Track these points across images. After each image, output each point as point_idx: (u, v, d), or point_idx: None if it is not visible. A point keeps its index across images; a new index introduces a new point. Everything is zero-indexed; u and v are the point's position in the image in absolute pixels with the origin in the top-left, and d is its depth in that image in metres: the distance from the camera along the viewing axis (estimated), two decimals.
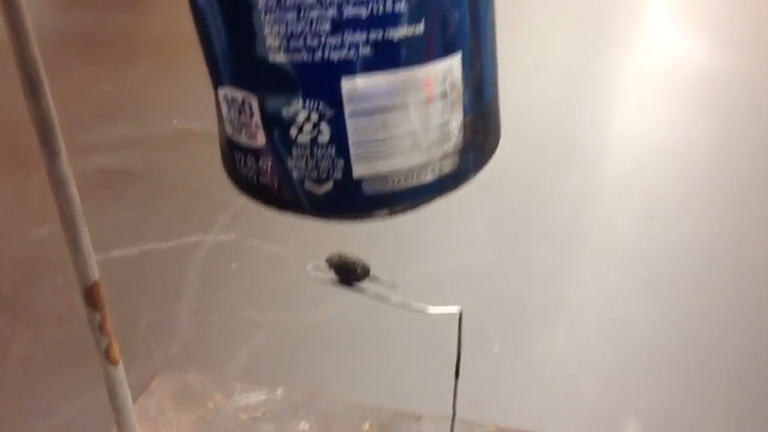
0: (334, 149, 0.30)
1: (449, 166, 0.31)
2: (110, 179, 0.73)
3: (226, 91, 0.30)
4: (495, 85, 0.33)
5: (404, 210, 0.32)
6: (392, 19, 0.28)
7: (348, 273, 0.37)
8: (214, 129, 0.32)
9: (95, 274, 0.47)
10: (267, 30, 0.28)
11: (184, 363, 0.63)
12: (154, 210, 0.73)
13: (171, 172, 0.75)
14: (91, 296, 0.48)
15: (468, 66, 0.30)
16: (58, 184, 0.44)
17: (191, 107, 0.85)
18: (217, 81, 0.31)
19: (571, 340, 0.57)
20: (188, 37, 0.31)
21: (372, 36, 0.28)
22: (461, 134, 0.31)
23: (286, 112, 0.29)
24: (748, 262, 0.59)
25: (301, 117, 0.29)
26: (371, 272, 0.37)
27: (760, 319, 0.55)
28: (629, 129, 0.75)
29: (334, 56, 0.28)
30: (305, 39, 0.28)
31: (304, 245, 0.69)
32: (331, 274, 0.38)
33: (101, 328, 0.49)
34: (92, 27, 0.96)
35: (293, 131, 0.30)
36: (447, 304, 0.55)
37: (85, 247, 0.46)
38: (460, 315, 0.38)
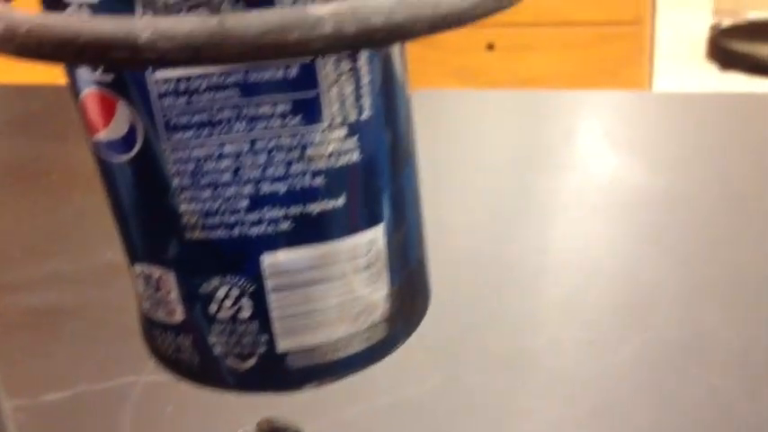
0: (256, 325, 0.29)
1: (377, 335, 0.31)
2: (40, 318, 0.71)
3: (142, 268, 0.29)
4: (421, 248, 0.33)
5: (333, 380, 0.31)
6: (311, 194, 0.27)
7: None
8: None
9: None
10: (183, 208, 0.27)
11: None
12: (86, 349, 0.70)
13: (104, 309, 0.73)
14: None
15: (392, 235, 0.30)
16: None
17: None
18: (132, 257, 0.30)
19: None
20: None
21: (292, 211, 0.27)
22: (388, 303, 0.30)
23: (205, 289, 0.28)
24: (692, 385, 0.58)
25: (221, 293, 0.28)
26: None
27: None
28: (567, 250, 0.75)
29: (253, 232, 0.27)
30: (222, 216, 0.27)
31: None
32: None
33: None
34: (27, 157, 0.95)
35: (213, 308, 0.29)
36: None
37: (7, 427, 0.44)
38: None
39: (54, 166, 0.93)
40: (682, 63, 3.07)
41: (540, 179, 0.85)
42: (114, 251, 0.86)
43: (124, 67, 0.24)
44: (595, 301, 0.69)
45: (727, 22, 2.68)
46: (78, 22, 0.18)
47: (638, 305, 0.67)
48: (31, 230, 0.85)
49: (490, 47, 2.08)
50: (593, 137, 0.92)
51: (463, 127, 0.99)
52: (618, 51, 2.03)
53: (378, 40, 0.20)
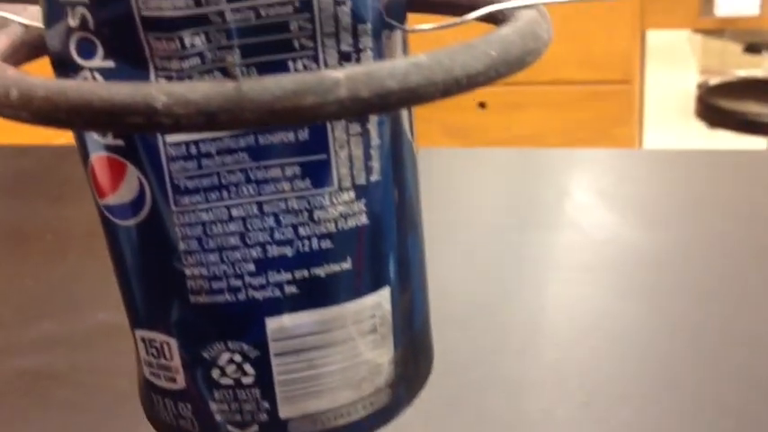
0: (258, 391, 0.28)
1: (381, 400, 0.30)
2: (30, 382, 0.70)
3: (143, 333, 0.29)
4: (426, 311, 0.32)
5: None
6: (318, 257, 0.27)
7: None
8: None
9: None
10: (188, 272, 0.27)
11: None
12: (76, 414, 0.69)
13: (95, 372, 0.71)
14: None
15: (397, 298, 0.29)
16: None
17: (117, 300, 0.82)
18: (134, 322, 0.29)
19: None
20: None
21: (298, 275, 0.27)
22: (392, 367, 0.30)
23: (208, 355, 0.28)
24: None
25: (224, 359, 0.28)
26: None
27: None
28: (561, 311, 0.74)
29: (259, 296, 0.27)
30: (227, 280, 0.27)
31: None
32: None
33: None
34: (18, 219, 0.95)
35: (215, 374, 0.28)
36: None
37: None
38: None
39: (48, 226, 0.93)
40: (671, 121, 3.11)
41: (534, 237, 0.85)
42: (107, 313, 0.85)
43: (140, 132, 0.24)
44: (592, 362, 0.68)
45: (714, 80, 2.72)
46: (95, 87, 0.18)
47: (634, 366, 0.67)
48: (23, 293, 0.84)
49: (482, 105, 2.10)
50: (586, 195, 0.93)
51: (455, 186, 0.99)
52: (608, 110, 2.06)
53: (392, 103, 0.20)
